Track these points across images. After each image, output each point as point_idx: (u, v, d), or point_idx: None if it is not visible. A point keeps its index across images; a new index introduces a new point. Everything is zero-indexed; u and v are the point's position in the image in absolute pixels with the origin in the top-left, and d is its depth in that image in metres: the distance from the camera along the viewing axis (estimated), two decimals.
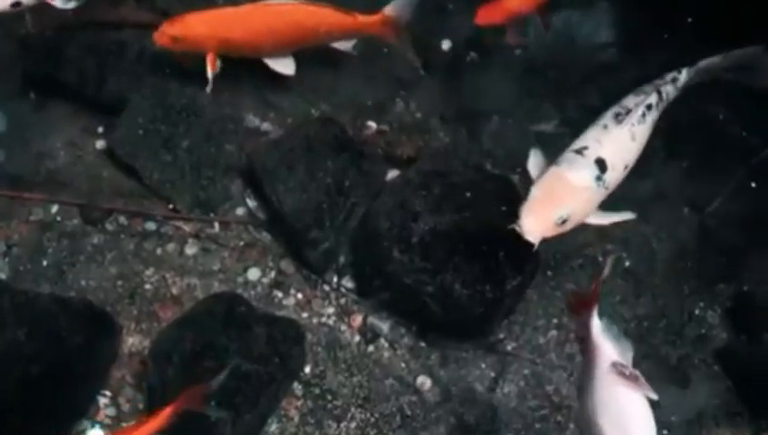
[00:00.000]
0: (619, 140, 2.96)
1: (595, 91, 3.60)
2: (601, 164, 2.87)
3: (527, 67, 3.69)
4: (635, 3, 3.77)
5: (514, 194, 3.27)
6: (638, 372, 2.37)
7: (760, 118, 3.47)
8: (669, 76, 3.17)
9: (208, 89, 3.34)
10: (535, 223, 2.74)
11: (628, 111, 2.99)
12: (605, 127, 2.97)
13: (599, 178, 2.85)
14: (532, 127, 3.59)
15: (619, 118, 2.98)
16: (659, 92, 3.09)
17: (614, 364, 2.40)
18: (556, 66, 3.69)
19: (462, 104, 3.64)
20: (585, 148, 2.89)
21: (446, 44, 3.74)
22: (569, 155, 2.89)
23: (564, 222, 2.79)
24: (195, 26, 3.29)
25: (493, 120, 3.61)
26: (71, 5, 3.19)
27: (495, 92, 3.66)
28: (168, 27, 3.28)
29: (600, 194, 2.89)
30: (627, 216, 3.00)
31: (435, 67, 3.67)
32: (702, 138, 3.49)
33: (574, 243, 3.33)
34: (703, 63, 3.21)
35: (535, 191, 2.80)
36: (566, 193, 2.81)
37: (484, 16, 3.38)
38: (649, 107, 3.04)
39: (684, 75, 3.18)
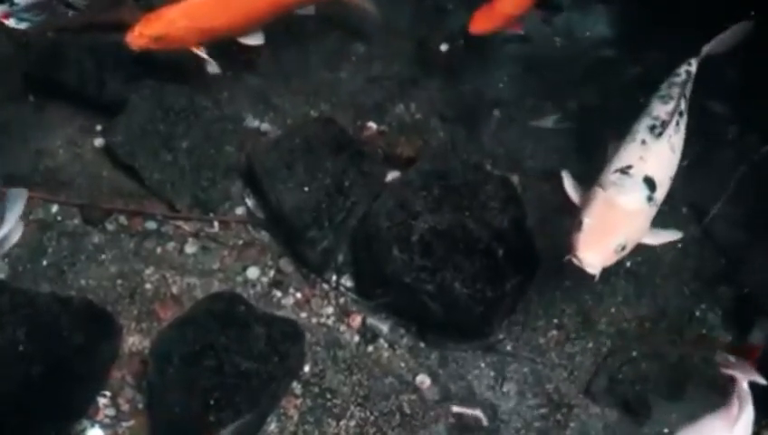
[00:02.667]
0: (661, 155, 2.88)
1: (594, 89, 3.61)
2: (650, 183, 2.79)
3: (526, 66, 3.69)
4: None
5: (513, 193, 3.28)
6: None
7: (760, 118, 3.47)
8: (683, 71, 3.11)
9: (215, 69, 3.29)
10: (595, 255, 2.62)
11: (663, 122, 2.91)
12: (643, 142, 2.88)
13: (650, 199, 2.77)
14: (533, 123, 3.58)
15: (655, 130, 2.91)
16: (684, 94, 3.03)
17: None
18: (555, 65, 3.69)
19: (461, 104, 3.64)
20: (629, 167, 2.80)
21: (444, 45, 3.74)
22: (614, 177, 2.79)
23: (623, 248, 2.69)
24: (176, 22, 3.19)
25: (492, 120, 3.61)
26: (23, 26, 3.17)
27: (494, 92, 3.66)
28: (145, 27, 3.15)
29: (652, 212, 2.80)
30: (675, 235, 2.94)
31: (434, 67, 3.67)
32: (702, 138, 3.47)
33: None
34: (706, 48, 3.18)
35: (588, 220, 2.67)
36: (621, 219, 2.70)
37: (479, 24, 3.35)
38: (681, 113, 2.98)
39: (695, 66, 3.13)
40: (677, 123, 2.96)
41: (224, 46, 3.39)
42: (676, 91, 3.04)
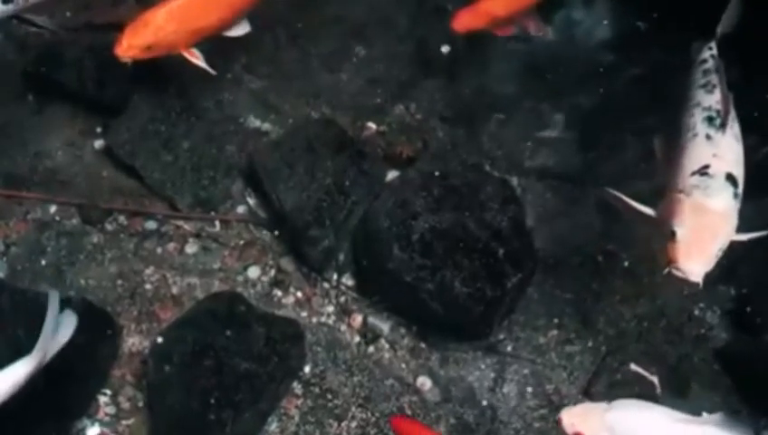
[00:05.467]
0: (731, 147, 2.81)
1: (595, 89, 3.62)
2: (732, 179, 2.71)
3: (527, 67, 3.70)
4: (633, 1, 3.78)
5: (513, 194, 3.29)
6: None
7: (760, 118, 3.48)
8: (708, 56, 3.05)
9: (210, 70, 3.18)
10: (697, 264, 2.54)
11: (719, 112, 2.85)
12: (708, 137, 2.80)
13: (735, 195, 2.70)
14: (533, 134, 3.59)
15: (715, 122, 2.84)
16: (723, 79, 2.94)
17: None
18: (555, 66, 3.70)
19: (461, 105, 3.64)
20: (706, 167, 2.72)
21: (445, 46, 3.74)
22: (694, 180, 2.69)
23: (721, 250, 2.62)
24: (164, 26, 3.04)
25: (492, 121, 3.62)
26: None
27: (494, 93, 3.67)
28: (133, 37, 3.00)
29: (738, 207, 2.72)
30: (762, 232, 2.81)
31: (434, 68, 3.68)
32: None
33: (574, 242, 3.34)
34: (719, 29, 3.13)
35: (683, 230, 2.57)
36: (715, 223, 2.62)
37: (463, 22, 3.31)
38: (731, 100, 2.92)
39: (715, 48, 3.07)
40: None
41: (224, 47, 3.39)
42: (713, 77, 2.97)
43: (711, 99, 2.91)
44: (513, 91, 3.67)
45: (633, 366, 2.99)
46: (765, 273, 3.25)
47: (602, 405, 2.53)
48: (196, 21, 3.12)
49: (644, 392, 3.03)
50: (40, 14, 3.29)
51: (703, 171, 2.72)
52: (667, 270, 2.57)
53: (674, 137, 2.94)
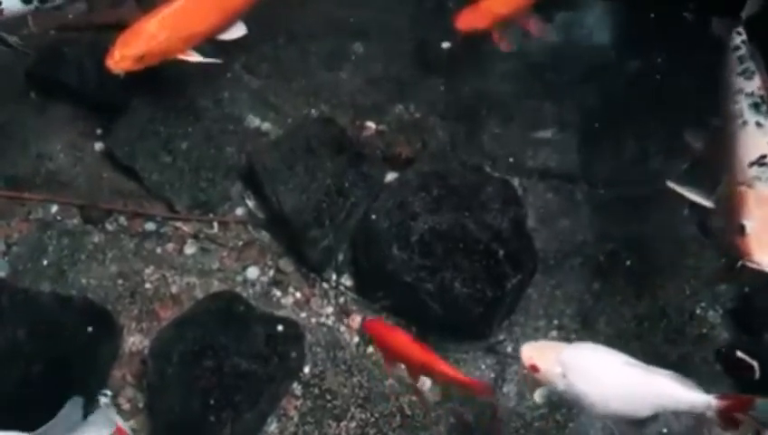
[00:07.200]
0: None
1: (595, 88, 3.61)
2: None
3: (527, 66, 3.70)
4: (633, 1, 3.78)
5: (514, 194, 3.29)
6: None
7: None
8: (739, 42, 3.05)
9: (218, 60, 3.16)
10: None
11: (763, 99, 2.84)
12: (759, 125, 2.80)
13: None
14: (533, 134, 3.58)
15: (761, 109, 2.82)
16: (760, 63, 2.95)
17: None
18: (556, 65, 3.69)
19: (461, 104, 3.64)
20: (764, 156, 2.71)
21: (445, 44, 3.74)
22: (753, 171, 2.69)
23: None
24: (157, 35, 3.01)
25: (492, 121, 3.61)
26: None
27: (495, 92, 3.66)
28: (125, 48, 2.95)
29: None
30: None
31: (434, 67, 3.68)
32: (703, 138, 3.47)
33: (574, 242, 3.33)
34: (744, 13, 3.12)
35: (752, 223, 2.57)
36: None
37: (466, 21, 3.29)
38: None
39: (744, 33, 3.07)
40: None
41: (223, 47, 3.39)
42: (750, 63, 2.96)
43: (752, 85, 2.90)
44: (514, 91, 3.67)
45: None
46: (767, 273, 3.24)
47: (563, 344, 2.58)
48: (188, 28, 3.09)
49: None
50: (11, 32, 3.25)
51: (761, 162, 2.71)
52: (740, 264, 2.56)
53: (707, 128, 2.95)
